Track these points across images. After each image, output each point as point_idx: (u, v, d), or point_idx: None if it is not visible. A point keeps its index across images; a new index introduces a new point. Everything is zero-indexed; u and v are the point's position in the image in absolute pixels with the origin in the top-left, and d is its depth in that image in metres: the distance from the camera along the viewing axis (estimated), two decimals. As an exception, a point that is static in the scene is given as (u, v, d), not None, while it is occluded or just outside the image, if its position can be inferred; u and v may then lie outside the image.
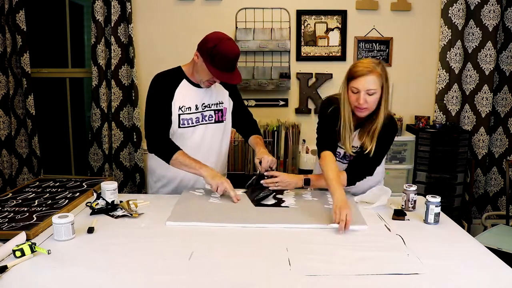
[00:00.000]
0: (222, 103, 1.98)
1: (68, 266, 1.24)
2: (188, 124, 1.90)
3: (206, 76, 1.80)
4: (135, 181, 3.33)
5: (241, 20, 3.19)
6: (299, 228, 1.54)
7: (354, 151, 1.80)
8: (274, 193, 1.83)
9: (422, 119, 3.21)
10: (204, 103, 1.92)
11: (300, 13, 3.20)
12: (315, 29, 3.23)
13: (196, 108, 1.91)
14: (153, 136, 1.87)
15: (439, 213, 1.60)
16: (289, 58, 3.23)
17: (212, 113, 1.95)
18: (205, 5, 3.20)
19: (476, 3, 3.13)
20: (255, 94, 3.27)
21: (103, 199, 1.70)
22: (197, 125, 1.92)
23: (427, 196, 1.61)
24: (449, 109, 3.26)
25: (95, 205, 1.68)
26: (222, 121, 1.99)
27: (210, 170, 1.82)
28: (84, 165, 3.46)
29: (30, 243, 1.29)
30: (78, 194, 1.85)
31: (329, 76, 3.25)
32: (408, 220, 1.64)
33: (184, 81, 1.89)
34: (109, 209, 1.67)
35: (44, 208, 1.65)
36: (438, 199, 1.58)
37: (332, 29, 3.23)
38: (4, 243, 1.32)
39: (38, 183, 2.03)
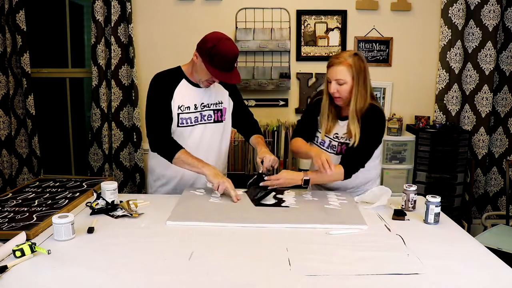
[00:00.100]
0: (221, 103, 1.98)
1: (68, 266, 1.24)
2: (187, 123, 1.90)
3: (205, 76, 1.81)
4: (135, 181, 3.33)
5: (241, 20, 3.19)
6: (299, 228, 1.54)
7: (342, 141, 1.88)
8: (274, 193, 1.84)
9: (422, 119, 3.20)
10: (203, 103, 1.92)
11: (300, 13, 3.20)
12: (315, 29, 3.22)
13: (195, 107, 1.91)
14: (155, 135, 1.87)
15: (439, 213, 1.60)
16: (289, 58, 3.23)
17: (211, 112, 1.95)
18: (205, 5, 3.20)
19: (476, 3, 3.13)
20: (255, 94, 3.27)
21: (103, 199, 1.70)
22: (195, 124, 1.92)
23: (427, 196, 1.60)
24: (449, 109, 3.25)
25: (95, 205, 1.68)
26: (221, 121, 1.99)
27: (213, 169, 1.82)
28: (84, 165, 3.46)
29: (30, 243, 1.29)
30: (78, 194, 1.85)
31: (329, 76, 3.25)
32: (408, 220, 1.64)
33: (184, 81, 1.89)
34: (109, 209, 1.67)
35: (44, 208, 1.65)
36: (438, 199, 1.58)
37: (332, 29, 3.23)
38: (4, 243, 1.32)
39: (38, 183, 2.03)
